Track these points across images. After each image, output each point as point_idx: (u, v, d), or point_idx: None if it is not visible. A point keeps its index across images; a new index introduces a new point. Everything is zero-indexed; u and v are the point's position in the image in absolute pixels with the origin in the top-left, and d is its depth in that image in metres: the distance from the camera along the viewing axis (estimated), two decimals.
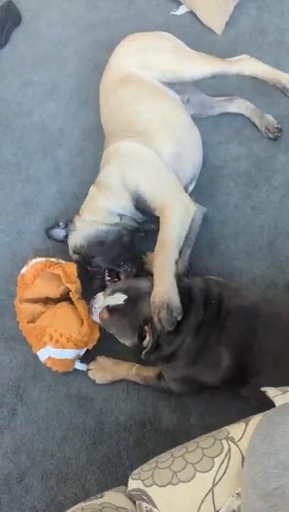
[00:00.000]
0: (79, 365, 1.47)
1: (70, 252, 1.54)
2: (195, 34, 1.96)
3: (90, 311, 1.37)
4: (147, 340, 1.26)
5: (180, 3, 2.03)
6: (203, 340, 1.25)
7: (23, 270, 1.51)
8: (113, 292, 1.31)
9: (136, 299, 1.29)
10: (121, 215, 1.50)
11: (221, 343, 1.24)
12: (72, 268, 1.48)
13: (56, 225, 1.57)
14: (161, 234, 1.40)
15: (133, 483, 0.94)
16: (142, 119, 1.54)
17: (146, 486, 0.91)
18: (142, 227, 1.55)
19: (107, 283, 1.48)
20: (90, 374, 1.47)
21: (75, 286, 1.47)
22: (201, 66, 1.62)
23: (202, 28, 1.97)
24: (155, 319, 1.26)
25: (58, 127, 1.89)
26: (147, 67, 1.62)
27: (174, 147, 1.52)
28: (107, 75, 1.69)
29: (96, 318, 1.36)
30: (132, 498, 0.94)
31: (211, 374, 1.28)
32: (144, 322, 1.27)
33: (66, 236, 1.55)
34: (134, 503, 0.93)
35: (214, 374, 1.27)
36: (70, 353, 1.41)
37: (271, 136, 1.74)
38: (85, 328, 1.41)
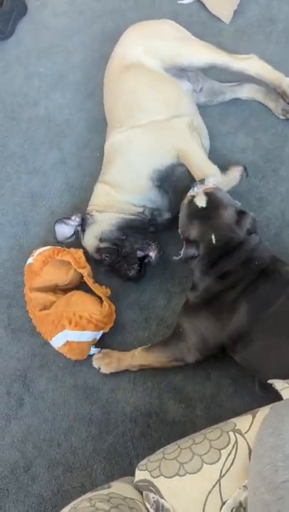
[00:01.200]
0: (94, 350, 1.47)
1: (94, 242, 1.50)
2: (202, 23, 1.93)
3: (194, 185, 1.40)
4: (187, 253, 1.32)
5: None
6: (227, 285, 1.27)
7: (30, 260, 1.52)
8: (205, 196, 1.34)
9: (213, 209, 1.32)
10: (144, 206, 1.51)
11: (245, 295, 1.24)
12: (80, 253, 1.49)
13: (65, 220, 1.53)
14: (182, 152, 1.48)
15: (140, 474, 0.95)
16: (143, 106, 1.54)
17: (154, 477, 0.92)
18: (156, 219, 1.55)
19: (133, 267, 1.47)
20: (95, 362, 1.47)
21: (86, 271, 1.48)
22: (201, 53, 1.60)
23: (210, 16, 1.95)
24: None
25: (65, 118, 1.88)
26: (150, 54, 1.61)
27: None
28: (111, 65, 1.69)
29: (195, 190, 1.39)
30: (139, 489, 0.95)
31: (219, 323, 1.27)
32: (189, 240, 1.32)
33: (74, 233, 1.54)
34: (141, 493, 0.94)
35: (223, 324, 1.26)
36: (89, 336, 1.41)
37: None
38: (106, 308, 1.43)
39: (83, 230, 1.52)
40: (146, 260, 1.49)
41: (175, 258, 1.35)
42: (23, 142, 1.86)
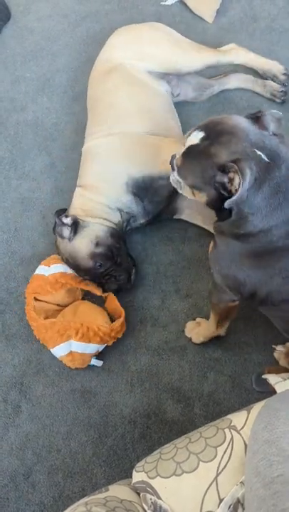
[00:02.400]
0: (95, 361, 1.46)
1: (89, 246, 1.45)
2: (186, 23, 1.94)
3: (172, 168, 1.14)
4: (235, 184, 0.95)
5: None
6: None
7: (44, 271, 1.49)
8: (190, 133, 1.04)
9: (214, 137, 0.98)
10: (120, 210, 1.50)
11: None
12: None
13: (61, 219, 1.47)
14: None
15: (137, 476, 0.94)
16: (115, 106, 1.54)
17: (151, 478, 0.91)
18: (130, 225, 1.56)
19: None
20: (187, 332, 1.48)
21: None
22: (197, 59, 1.65)
23: (193, 16, 1.95)
24: None
25: (52, 122, 1.88)
26: (142, 58, 1.61)
27: (149, 127, 1.51)
28: (96, 67, 1.68)
29: (175, 174, 1.11)
30: (137, 491, 0.94)
31: (262, 279, 1.09)
32: (222, 168, 0.96)
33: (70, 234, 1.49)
34: (139, 495, 0.93)
35: (270, 280, 1.07)
36: (93, 348, 1.41)
37: (279, 100, 1.75)
38: (118, 324, 1.43)
39: (75, 233, 1.47)
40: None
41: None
42: (12, 147, 1.85)
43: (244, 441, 0.85)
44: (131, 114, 1.53)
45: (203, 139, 1.00)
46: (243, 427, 0.87)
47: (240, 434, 0.86)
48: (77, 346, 1.38)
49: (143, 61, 1.61)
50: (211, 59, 1.68)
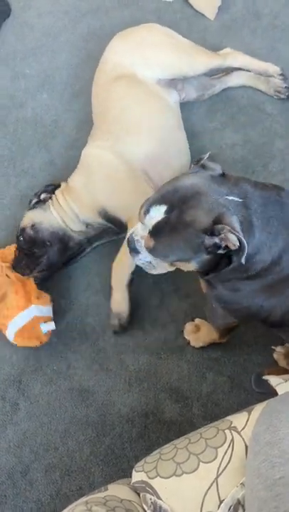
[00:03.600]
0: (45, 326, 1.44)
1: (27, 220, 1.53)
2: (187, 20, 1.93)
3: (132, 252, 1.07)
4: (232, 240, 0.92)
5: None
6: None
7: None
8: (148, 210, 0.97)
9: (181, 205, 0.93)
10: (87, 224, 1.52)
11: None
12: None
13: (41, 192, 1.59)
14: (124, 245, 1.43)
15: (137, 476, 0.94)
16: (125, 117, 1.53)
17: (150, 478, 0.91)
18: (93, 240, 1.59)
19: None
20: (185, 334, 1.48)
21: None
22: (201, 64, 1.66)
23: (194, 13, 1.94)
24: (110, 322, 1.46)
25: (52, 119, 1.86)
26: (147, 65, 1.59)
27: (151, 148, 1.51)
28: (99, 72, 1.66)
29: (143, 257, 1.05)
30: (137, 490, 0.94)
31: (276, 305, 1.08)
32: (209, 232, 0.92)
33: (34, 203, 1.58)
34: (139, 495, 0.93)
35: (285, 303, 1.06)
36: (22, 319, 1.42)
37: (283, 96, 1.75)
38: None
39: (35, 204, 1.56)
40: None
41: None
42: (11, 145, 1.84)
43: (245, 443, 0.85)
44: (139, 131, 1.51)
45: (168, 212, 0.94)
46: (243, 428, 0.87)
47: (241, 436, 0.86)
48: (11, 328, 1.42)
49: (149, 68, 1.59)
50: (214, 63, 1.68)
